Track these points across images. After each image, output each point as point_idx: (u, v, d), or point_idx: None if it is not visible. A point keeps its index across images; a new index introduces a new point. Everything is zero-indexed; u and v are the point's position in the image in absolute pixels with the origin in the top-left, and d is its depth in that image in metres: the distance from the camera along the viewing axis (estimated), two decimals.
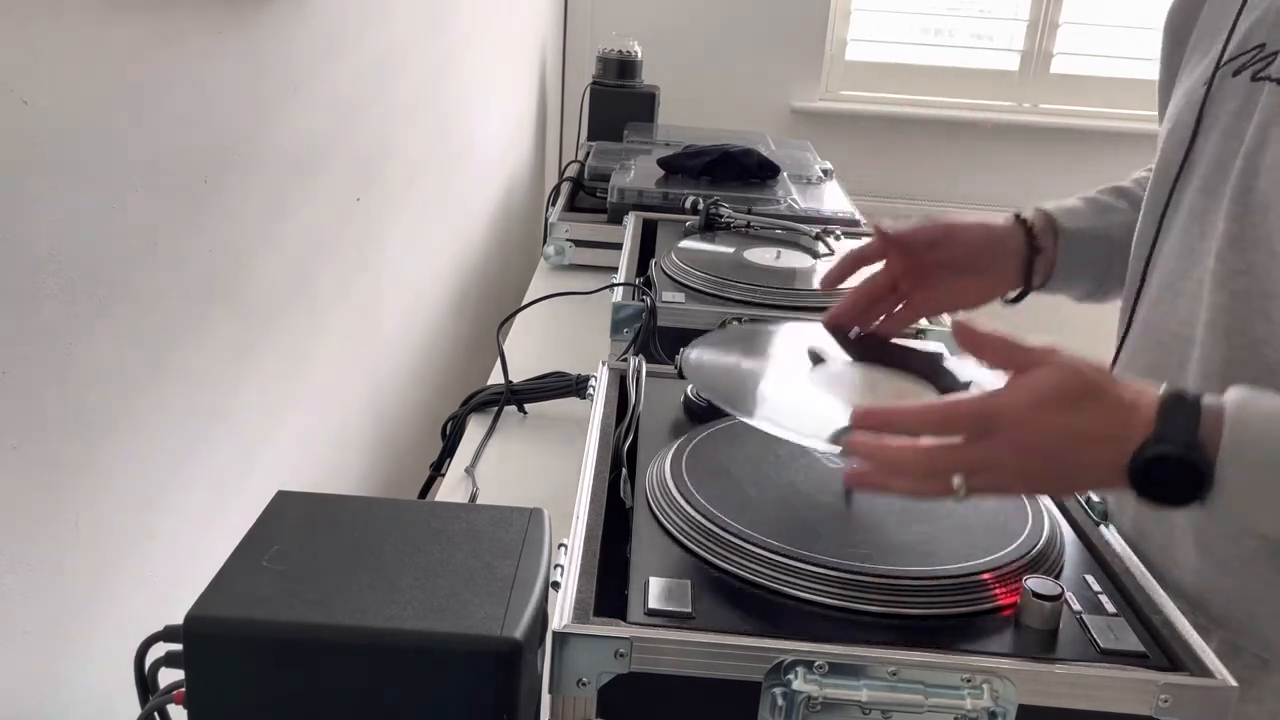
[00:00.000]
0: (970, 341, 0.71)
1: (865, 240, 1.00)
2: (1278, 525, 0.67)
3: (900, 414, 0.68)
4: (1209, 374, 0.85)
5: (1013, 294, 1.04)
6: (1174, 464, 0.64)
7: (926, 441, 0.67)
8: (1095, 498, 0.82)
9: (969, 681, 0.62)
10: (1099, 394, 0.67)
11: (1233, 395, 0.67)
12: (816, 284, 1.34)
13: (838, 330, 0.94)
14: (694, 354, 0.81)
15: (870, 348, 0.91)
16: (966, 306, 1.04)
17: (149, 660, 0.63)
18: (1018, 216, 1.04)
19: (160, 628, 0.61)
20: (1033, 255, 1.03)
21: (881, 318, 0.98)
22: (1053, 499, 0.78)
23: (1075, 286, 1.08)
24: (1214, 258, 0.84)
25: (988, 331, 0.70)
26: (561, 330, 1.56)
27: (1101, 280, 1.07)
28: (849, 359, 0.85)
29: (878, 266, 1.00)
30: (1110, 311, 1.09)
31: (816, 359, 0.82)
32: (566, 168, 2.19)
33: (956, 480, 0.65)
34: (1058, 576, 0.71)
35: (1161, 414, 0.65)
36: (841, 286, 1.02)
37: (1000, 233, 1.03)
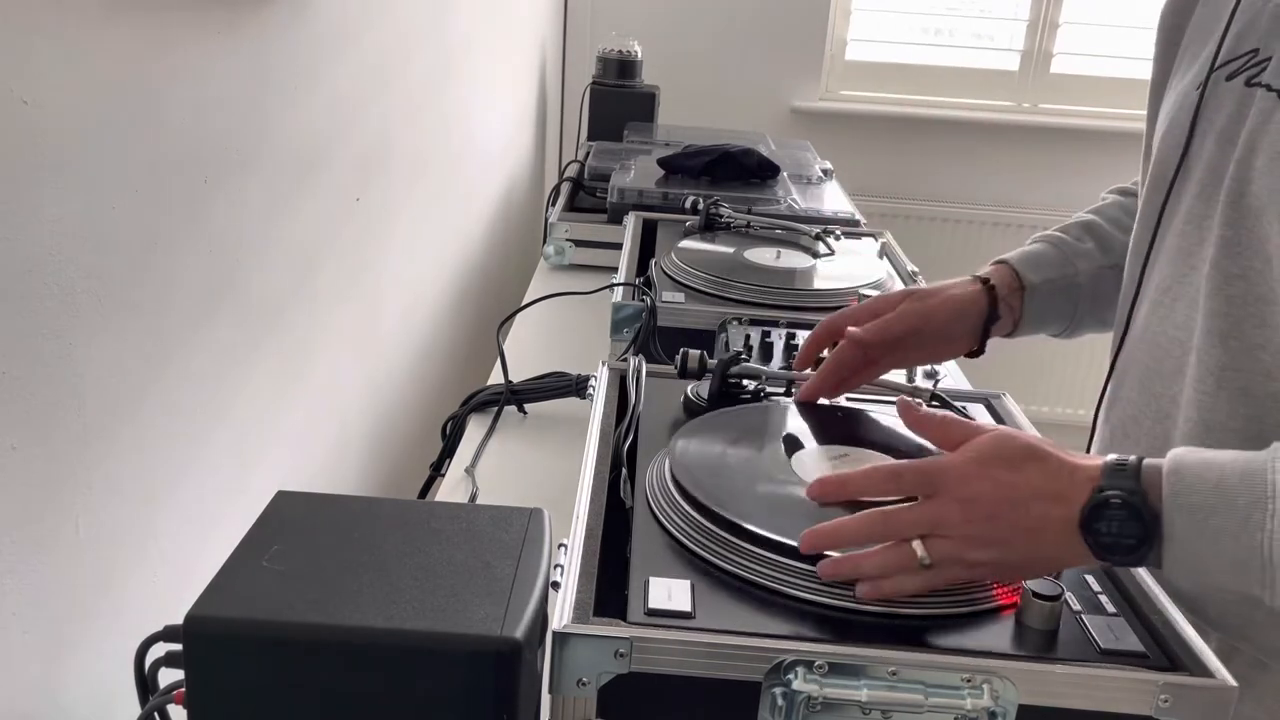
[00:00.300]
0: (914, 421, 0.75)
1: (831, 314, 1.01)
2: (1233, 575, 0.65)
3: (849, 478, 0.72)
4: (1205, 378, 0.85)
5: (975, 348, 1.06)
6: (1121, 509, 0.65)
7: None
8: None
9: (969, 681, 0.62)
10: (1040, 456, 0.68)
11: (1171, 452, 0.68)
12: (816, 284, 1.34)
13: (809, 405, 0.94)
14: (680, 444, 0.82)
15: (841, 424, 0.91)
16: (935, 363, 1.09)
17: (149, 660, 0.63)
18: (983, 281, 1.04)
19: (160, 628, 0.61)
20: (994, 318, 1.04)
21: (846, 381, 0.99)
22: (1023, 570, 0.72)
23: (1044, 330, 1.11)
24: (1210, 263, 0.84)
25: (930, 411, 0.74)
26: (561, 330, 1.56)
27: (1068, 323, 1.10)
28: (820, 442, 0.86)
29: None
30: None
31: (792, 445, 0.84)
32: (566, 168, 2.19)
33: (916, 545, 0.66)
34: (1058, 576, 0.71)
35: (1105, 470, 0.67)
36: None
37: (966, 303, 1.03)
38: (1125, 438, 0.97)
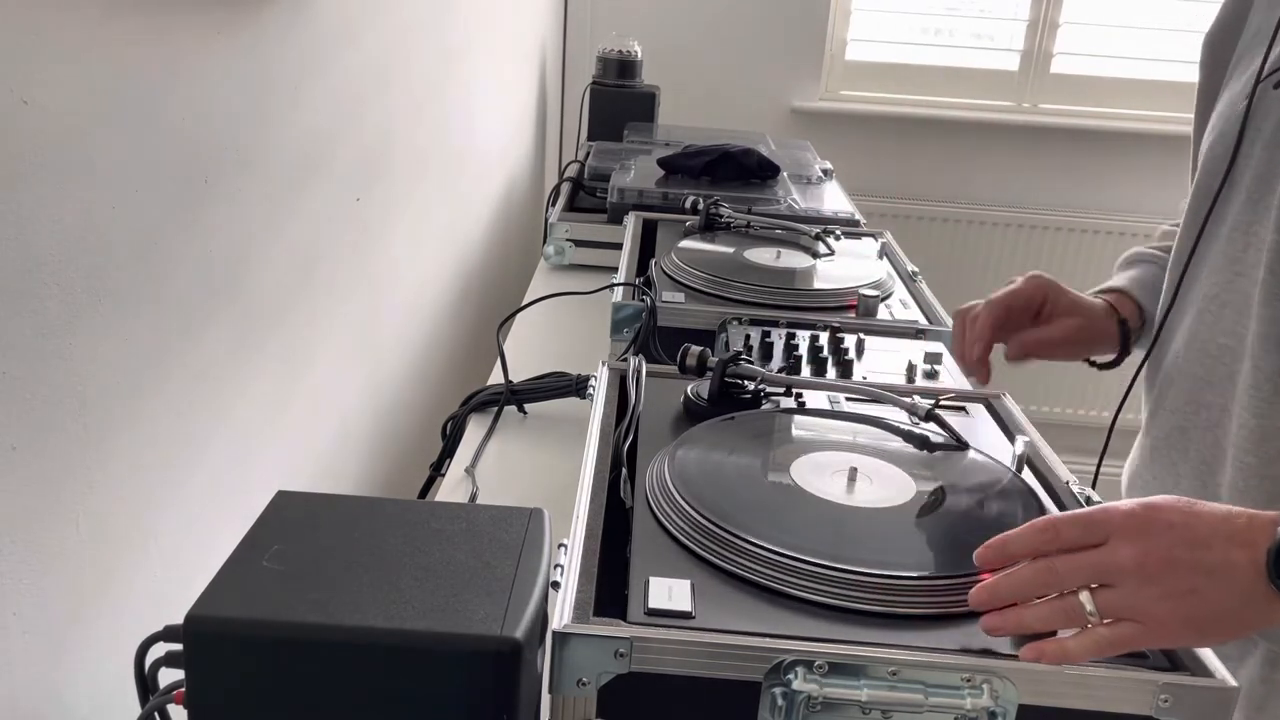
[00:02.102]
0: (1046, 541, 0.66)
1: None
2: None
3: (1007, 539, 0.66)
4: (1260, 385, 0.84)
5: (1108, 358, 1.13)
6: None
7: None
8: (1095, 496, 0.82)
9: (969, 681, 0.62)
10: (1207, 505, 0.64)
11: None
12: (816, 284, 1.34)
13: (812, 411, 0.94)
14: (680, 452, 0.82)
15: (843, 430, 0.90)
16: (1077, 357, 1.14)
17: (149, 660, 0.63)
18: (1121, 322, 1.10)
19: (160, 628, 0.61)
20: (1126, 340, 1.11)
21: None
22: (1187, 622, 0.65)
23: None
24: (1264, 269, 0.83)
25: (1055, 517, 0.67)
26: (561, 330, 1.56)
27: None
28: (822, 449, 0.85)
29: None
30: None
31: (795, 453, 0.84)
32: (566, 168, 2.19)
33: (1084, 596, 0.62)
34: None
35: None
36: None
37: (1105, 332, 1.10)
38: (1171, 449, 0.95)
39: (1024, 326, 1.09)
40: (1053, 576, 0.64)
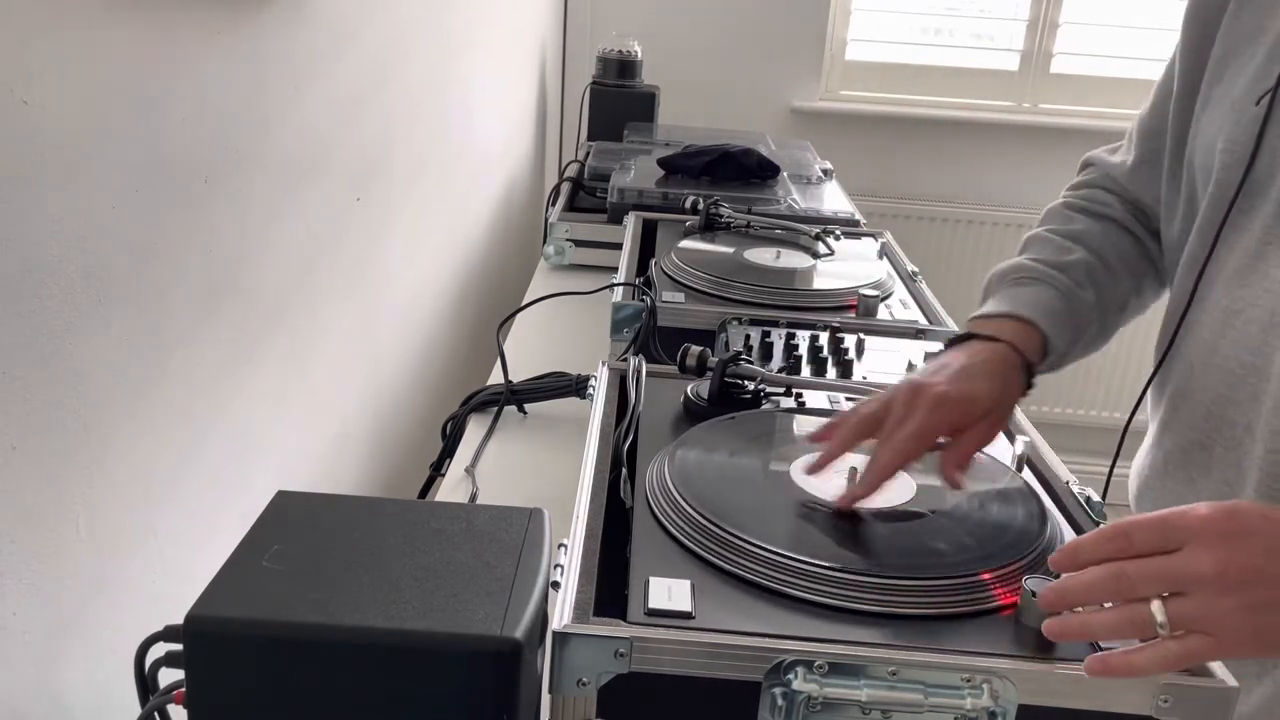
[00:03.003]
0: (1125, 545, 0.63)
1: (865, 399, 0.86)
2: None
3: (1079, 545, 0.64)
4: None
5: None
6: None
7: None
8: (1095, 496, 0.82)
9: (969, 681, 0.62)
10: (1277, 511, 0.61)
11: None
12: (816, 284, 1.34)
13: (812, 410, 0.91)
14: (680, 452, 0.82)
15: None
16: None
17: (149, 660, 0.63)
18: (1005, 342, 0.90)
19: (160, 628, 0.61)
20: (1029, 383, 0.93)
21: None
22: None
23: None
24: None
25: (1133, 519, 0.63)
26: (561, 330, 1.56)
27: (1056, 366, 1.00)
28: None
29: None
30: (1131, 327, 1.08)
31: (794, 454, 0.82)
32: (566, 168, 2.19)
33: (1155, 606, 0.59)
34: (1057, 577, 0.71)
35: None
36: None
37: (1010, 388, 0.89)
38: (1189, 465, 0.93)
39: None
40: (1123, 583, 0.61)
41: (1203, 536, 0.60)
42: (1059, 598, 0.63)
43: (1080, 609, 0.63)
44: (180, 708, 0.59)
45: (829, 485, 0.79)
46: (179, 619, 0.57)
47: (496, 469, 1.19)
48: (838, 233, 1.53)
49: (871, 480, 0.77)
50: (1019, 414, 0.98)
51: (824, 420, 0.85)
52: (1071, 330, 0.96)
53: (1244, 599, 0.59)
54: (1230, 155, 0.87)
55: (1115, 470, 0.99)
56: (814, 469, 0.80)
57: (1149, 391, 1.01)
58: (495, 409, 1.30)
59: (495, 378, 1.37)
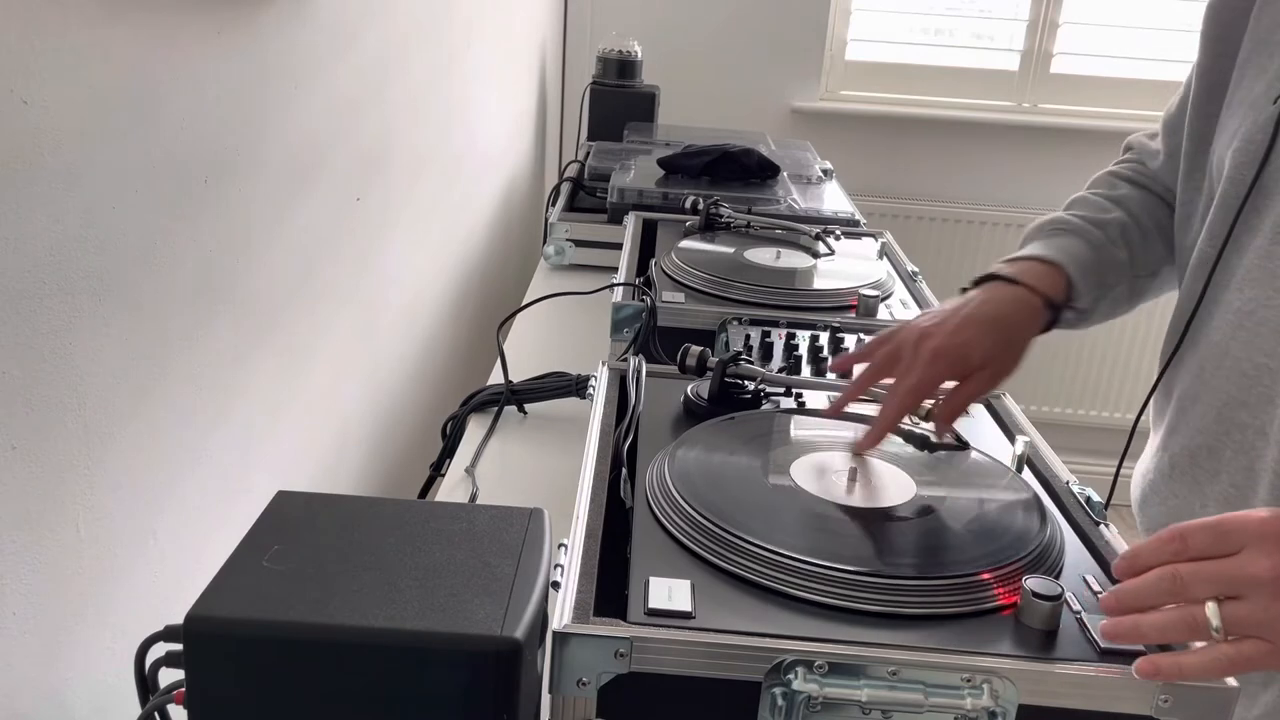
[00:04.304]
0: (1177, 550, 0.63)
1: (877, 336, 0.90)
2: None
3: (1138, 551, 0.64)
4: None
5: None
6: None
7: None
8: (1095, 496, 0.82)
9: (969, 681, 0.62)
10: None
11: None
12: (816, 284, 1.34)
13: (812, 411, 0.93)
14: (680, 452, 0.82)
15: (844, 430, 0.89)
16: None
17: (149, 660, 0.63)
18: (1026, 286, 0.92)
19: (160, 628, 0.61)
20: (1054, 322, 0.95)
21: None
22: None
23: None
24: None
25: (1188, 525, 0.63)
26: (561, 330, 1.56)
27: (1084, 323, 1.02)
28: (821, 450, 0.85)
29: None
30: (1127, 322, 1.07)
31: (794, 453, 0.84)
32: (566, 168, 2.19)
33: (1210, 609, 0.59)
34: (1058, 576, 0.71)
35: None
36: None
37: (1016, 335, 0.91)
38: (1197, 468, 0.92)
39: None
40: (1177, 584, 0.60)
41: (1262, 541, 0.59)
42: (1117, 601, 0.63)
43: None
44: (180, 708, 0.59)
45: (829, 485, 0.79)
46: (179, 619, 0.57)
47: (496, 469, 1.19)
48: (838, 233, 1.53)
49: (877, 432, 0.84)
50: (1019, 414, 0.98)
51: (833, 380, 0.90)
52: (1098, 283, 0.97)
53: None
54: (1244, 154, 0.87)
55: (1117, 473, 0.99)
56: (835, 409, 0.89)
57: (1156, 397, 1.01)
58: (495, 409, 1.30)
59: (495, 378, 1.37)
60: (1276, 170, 0.85)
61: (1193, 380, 0.92)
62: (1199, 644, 0.61)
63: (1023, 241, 1.03)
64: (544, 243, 1.88)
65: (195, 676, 0.58)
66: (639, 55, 2.57)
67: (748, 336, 1.14)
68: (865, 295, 1.26)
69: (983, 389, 0.88)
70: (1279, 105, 0.84)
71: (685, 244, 1.44)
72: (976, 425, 0.96)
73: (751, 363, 0.98)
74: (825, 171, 2.05)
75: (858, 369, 0.91)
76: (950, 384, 0.88)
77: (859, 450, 0.84)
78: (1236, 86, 0.92)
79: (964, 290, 0.95)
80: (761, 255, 1.41)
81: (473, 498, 1.13)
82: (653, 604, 0.65)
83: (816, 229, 1.51)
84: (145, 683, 0.63)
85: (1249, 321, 0.86)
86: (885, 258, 1.48)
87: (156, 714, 0.63)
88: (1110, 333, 3.01)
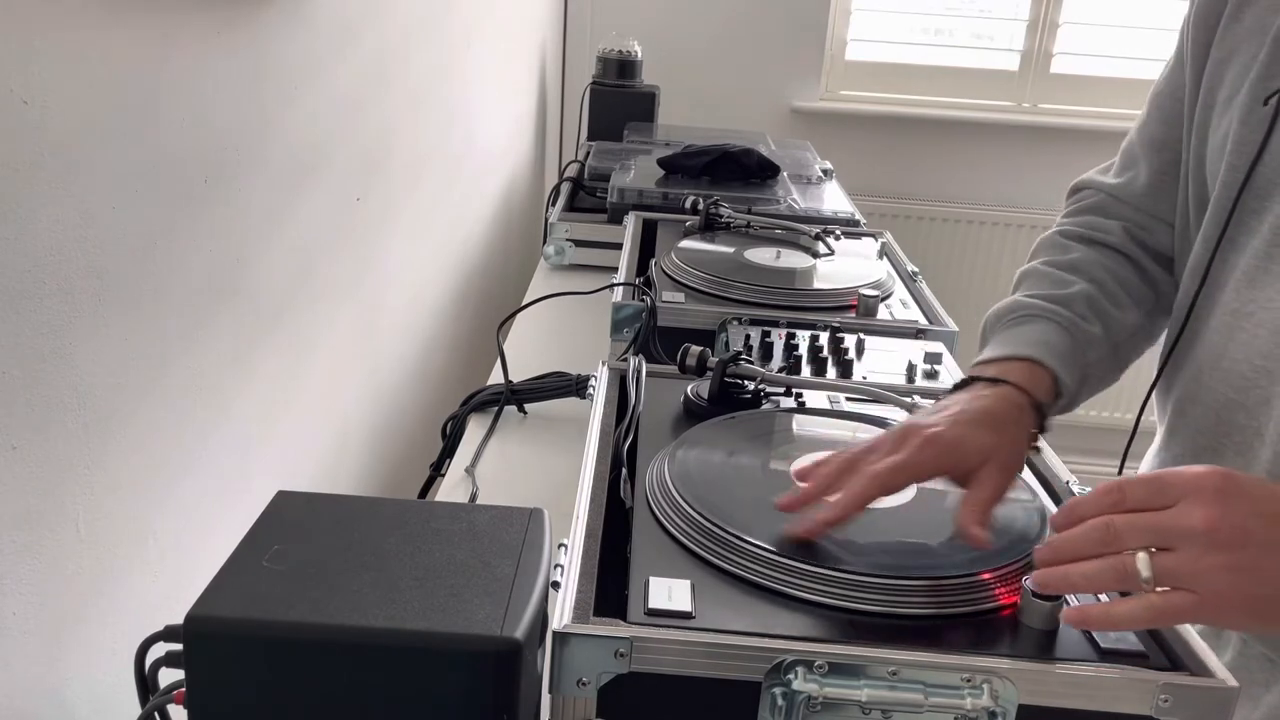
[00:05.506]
0: (1114, 501, 0.63)
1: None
2: None
3: (1078, 499, 0.65)
4: None
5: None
6: None
7: None
8: None
9: (969, 681, 0.62)
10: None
11: None
12: (816, 284, 1.34)
13: (812, 412, 0.89)
14: (680, 452, 0.81)
15: (843, 430, 0.88)
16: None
17: (149, 660, 0.63)
18: (1015, 386, 0.84)
19: (160, 628, 0.61)
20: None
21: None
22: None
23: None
24: None
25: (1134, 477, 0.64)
26: (561, 330, 1.56)
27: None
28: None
29: None
30: None
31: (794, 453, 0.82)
32: (566, 168, 2.19)
33: (1141, 558, 0.59)
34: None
35: None
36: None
37: (1013, 434, 0.82)
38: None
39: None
40: (1110, 534, 0.60)
41: (1198, 493, 0.59)
42: (1052, 552, 0.63)
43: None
44: (180, 708, 0.59)
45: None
46: (179, 619, 0.57)
47: (496, 469, 1.19)
48: (838, 233, 1.53)
49: (840, 508, 0.71)
50: None
51: (808, 458, 0.79)
52: (1080, 366, 0.92)
53: (1231, 559, 0.58)
54: (1238, 156, 0.87)
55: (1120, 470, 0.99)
56: (789, 506, 0.73)
57: (1154, 396, 1.00)
58: (495, 409, 1.30)
59: (495, 378, 1.37)
60: (1270, 171, 0.85)
61: (1191, 382, 0.92)
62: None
63: (983, 334, 0.96)
64: (544, 243, 1.88)
65: (195, 676, 0.58)
66: (639, 55, 2.57)
67: (748, 336, 1.14)
68: (865, 295, 1.26)
69: (999, 487, 0.76)
70: (1269, 106, 0.84)
71: (685, 244, 1.44)
72: None
73: (751, 363, 0.98)
74: (825, 171, 2.05)
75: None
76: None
77: (803, 534, 0.71)
78: (1215, 89, 0.91)
79: (938, 398, 0.87)
80: (761, 255, 1.41)
81: (473, 498, 1.13)
82: (653, 604, 0.65)
83: (816, 229, 1.51)
84: (145, 683, 0.63)
85: (1247, 324, 0.86)
86: (885, 258, 1.48)
87: (156, 714, 0.63)
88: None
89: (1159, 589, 0.59)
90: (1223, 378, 0.88)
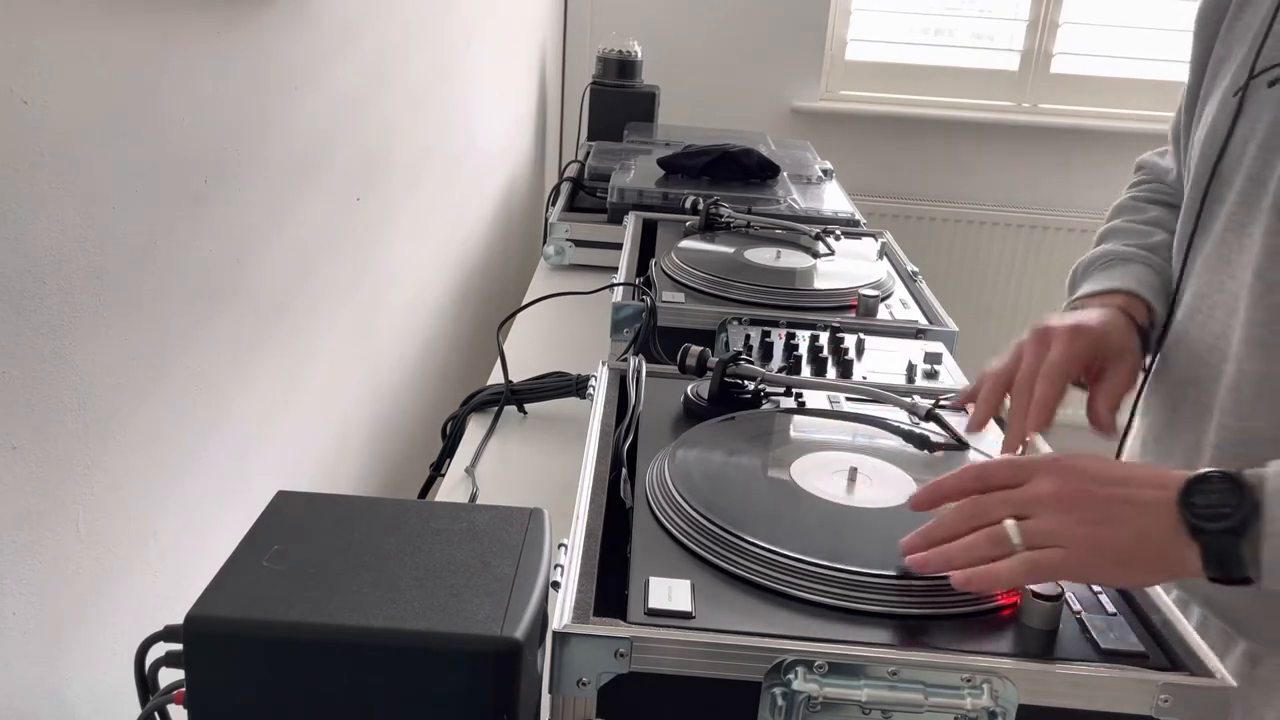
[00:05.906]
0: (971, 477, 0.71)
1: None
2: None
3: (940, 483, 0.71)
4: (1241, 387, 0.84)
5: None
6: (1221, 481, 0.65)
7: None
8: None
9: (969, 681, 0.62)
10: (1125, 461, 0.69)
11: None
12: (816, 284, 1.34)
13: (812, 411, 0.93)
14: (680, 452, 0.82)
15: (845, 430, 0.90)
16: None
17: (149, 660, 0.63)
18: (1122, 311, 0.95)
19: (160, 628, 0.61)
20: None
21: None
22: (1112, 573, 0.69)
23: None
24: (1251, 272, 0.83)
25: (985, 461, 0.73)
26: (561, 330, 1.56)
27: None
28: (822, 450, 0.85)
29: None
30: None
31: (794, 454, 0.83)
32: (566, 168, 2.19)
33: (1009, 524, 0.66)
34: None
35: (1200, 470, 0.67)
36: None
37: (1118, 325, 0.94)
38: (1156, 442, 0.95)
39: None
40: (978, 508, 0.68)
41: (1047, 469, 0.68)
42: (924, 538, 0.68)
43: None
44: (180, 708, 0.59)
45: (829, 485, 0.79)
46: (179, 619, 0.57)
47: (496, 469, 1.19)
48: (838, 233, 1.53)
49: (1039, 415, 0.83)
50: None
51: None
52: (1168, 303, 0.98)
53: (1081, 516, 0.66)
54: (1209, 144, 0.90)
55: None
56: (971, 430, 0.87)
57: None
58: (495, 409, 1.30)
59: (495, 378, 1.37)
60: (1232, 159, 0.87)
61: (1160, 361, 0.96)
62: None
63: (1072, 282, 1.05)
64: (544, 243, 1.88)
65: (195, 676, 0.58)
66: (639, 55, 2.57)
67: (748, 336, 1.14)
68: (865, 295, 1.26)
69: (1129, 380, 0.90)
70: (1238, 97, 0.87)
71: (685, 244, 1.44)
72: None
73: (751, 363, 0.98)
74: (825, 171, 2.05)
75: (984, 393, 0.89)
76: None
77: (1010, 448, 0.84)
78: (1212, 80, 0.94)
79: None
80: (761, 255, 1.41)
81: (473, 498, 1.13)
82: (653, 604, 0.65)
83: (816, 229, 1.51)
84: (145, 683, 0.63)
85: (1204, 305, 0.89)
86: (885, 258, 1.48)
87: (156, 714, 0.63)
88: None
89: (1032, 549, 0.66)
90: (1183, 357, 0.92)
